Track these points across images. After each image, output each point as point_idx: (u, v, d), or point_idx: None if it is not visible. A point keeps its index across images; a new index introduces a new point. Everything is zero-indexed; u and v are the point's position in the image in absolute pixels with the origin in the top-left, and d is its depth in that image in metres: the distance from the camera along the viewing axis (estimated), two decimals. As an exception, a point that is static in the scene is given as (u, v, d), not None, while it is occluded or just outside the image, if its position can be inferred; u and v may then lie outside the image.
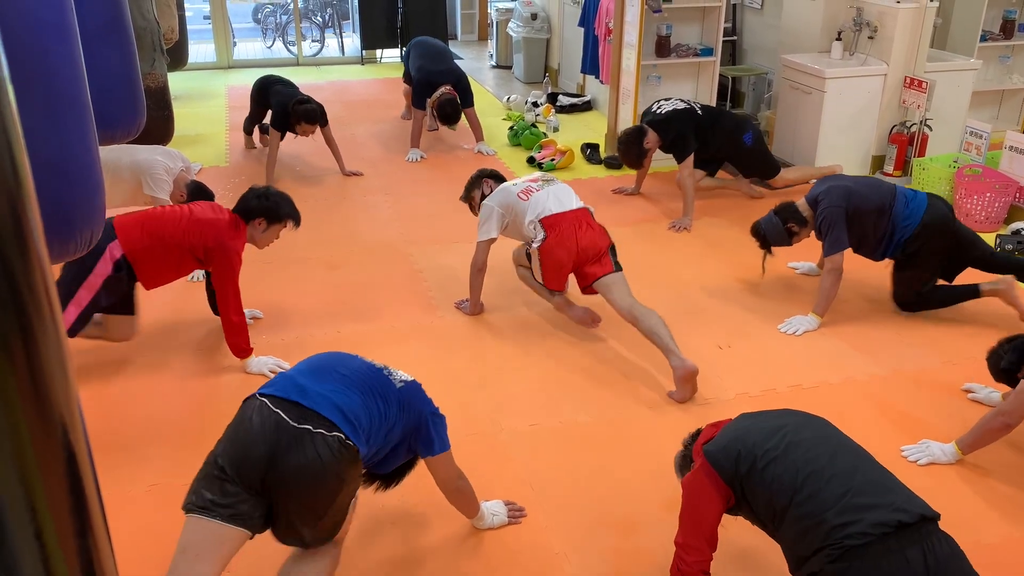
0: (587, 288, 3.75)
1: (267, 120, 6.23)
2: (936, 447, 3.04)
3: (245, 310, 3.86)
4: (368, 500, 2.70)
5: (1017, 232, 4.84)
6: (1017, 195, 5.10)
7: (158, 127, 5.72)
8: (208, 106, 7.88)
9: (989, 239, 4.85)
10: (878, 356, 3.75)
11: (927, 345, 3.82)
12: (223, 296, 3.48)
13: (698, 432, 2.35)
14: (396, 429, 2.30)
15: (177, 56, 7.15)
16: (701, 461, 2.19)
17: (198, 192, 4.28)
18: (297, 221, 3.66)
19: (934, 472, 2.98)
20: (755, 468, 2.08)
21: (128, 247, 3.43)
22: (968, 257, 3.95)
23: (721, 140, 5.28)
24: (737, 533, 2.54)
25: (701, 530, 2.18)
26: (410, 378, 2.41)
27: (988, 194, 4.99)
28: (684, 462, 2.35)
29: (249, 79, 8.69)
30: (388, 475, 2.45)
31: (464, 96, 6.34)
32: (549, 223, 3.68)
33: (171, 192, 4.37)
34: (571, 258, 3.68)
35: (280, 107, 5.79)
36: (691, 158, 5.15)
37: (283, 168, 6.08)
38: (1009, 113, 6.62)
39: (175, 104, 6.36)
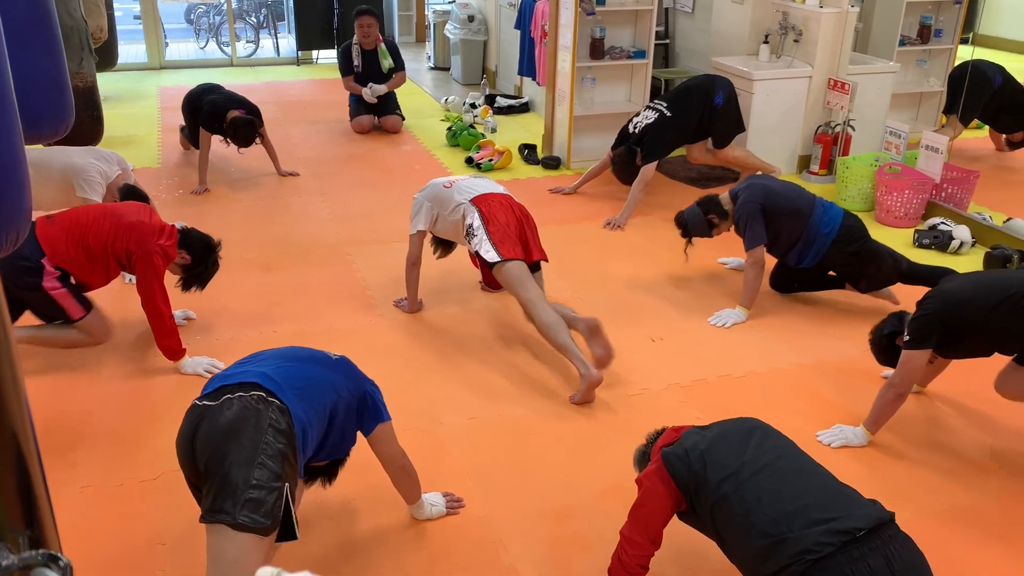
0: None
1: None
2: (849, 431, 3.18)
3: (177, 311, 3.83)
4: (306, 494, 2.71)
5: (933, 227, 5.06)
6: (933, 192, 5.33)
7: (87, 127, 5.61)
8: (140, 107, 7.74)
9: (908, 234, 5.08)
10: (803, 347, 3.90)
11: (849, 336, 3.98)
12: (150, 299, 3.42)
13: (661, 431, 2.36)
14: (344, 395, 2.31)
15: (106, 56, 7.01)
16: (657, 463, 2.23)
17: (131, 196, 4.21)
18: (188, 288, 3.70)
19: (856, 456, 3.11)
20: (711, 480, 2.10)
21: (56, 261, 3.37)
22: (867, 271, 4.08)
23: (694, 125, 5.42)
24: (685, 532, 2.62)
25: (647, 528, 2.22)
26: (341, 355, 2.46)
27: (907, 191, 5.21)
28: (643, 459, 2.38)
29: (182, 80, 8.59)
30: (327, 467, 2.48)
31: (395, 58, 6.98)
32: (479, 200, 3.77)
33: (104, 196, 4.29)
34: (515, 222, 3.74)
35: (212, 108, 5.69)
36: (653, 164, 5.27)
37: (216, 169, 6.02)
38: (927, 114, 6.90)
39: (105, 105, 6.24)
